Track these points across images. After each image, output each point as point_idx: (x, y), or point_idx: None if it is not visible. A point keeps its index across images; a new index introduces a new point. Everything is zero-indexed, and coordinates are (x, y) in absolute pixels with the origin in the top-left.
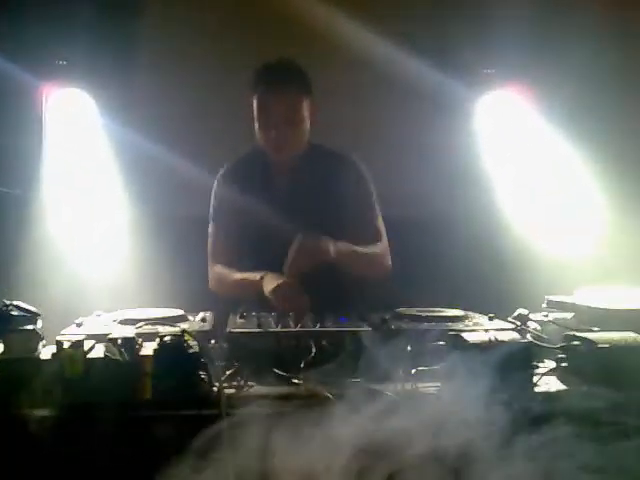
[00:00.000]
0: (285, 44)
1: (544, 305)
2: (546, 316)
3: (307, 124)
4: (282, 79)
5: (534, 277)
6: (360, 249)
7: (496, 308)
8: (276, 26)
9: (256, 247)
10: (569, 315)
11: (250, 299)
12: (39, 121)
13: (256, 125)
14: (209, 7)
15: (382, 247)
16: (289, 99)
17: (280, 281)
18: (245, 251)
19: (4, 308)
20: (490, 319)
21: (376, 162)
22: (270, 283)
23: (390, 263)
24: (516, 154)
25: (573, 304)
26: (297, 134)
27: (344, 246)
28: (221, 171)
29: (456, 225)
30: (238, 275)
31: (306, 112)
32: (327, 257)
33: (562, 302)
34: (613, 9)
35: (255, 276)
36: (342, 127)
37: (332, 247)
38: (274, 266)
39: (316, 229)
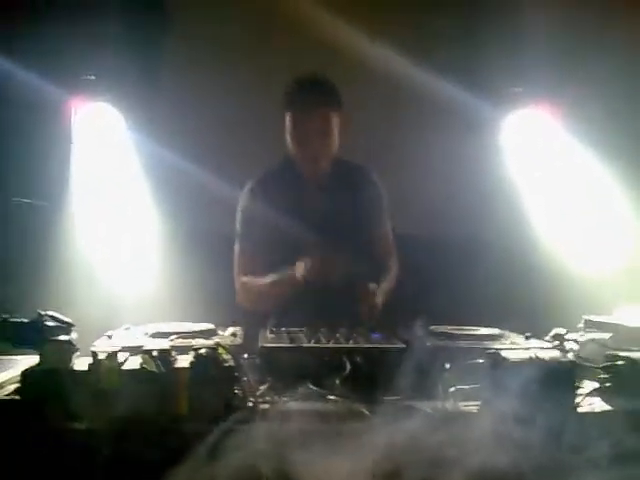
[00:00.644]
0: (313, 60)
1: (581, 325)
2: (582, 335)
3: (337, 137)
4: (316, 94)
5: (568, 296)
6: (386, 286)
7: (530, 328)
8: (304, 41)
9: (284, 261)
10: (607, 335)
11: (280, 303)
12: (68, 134)
13: (288, 139)
14: (234, 21)
15: (395, 267)
16: (323, 114)
17: (318, 257)
18: (272, 266)
19: (39, 318)
20: (527, 338)
21: (404, 181)
22: (308, 262)
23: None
24: (545, 172)
25: (612, 323)
26: (330, 147)
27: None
28: (248, 185)
29: (487, 244)
30: (267, 279)
31: (336, 126)
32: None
33: (600, 322)
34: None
35: (284, 273)
36: (371, 145)
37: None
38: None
39: (343, 243)
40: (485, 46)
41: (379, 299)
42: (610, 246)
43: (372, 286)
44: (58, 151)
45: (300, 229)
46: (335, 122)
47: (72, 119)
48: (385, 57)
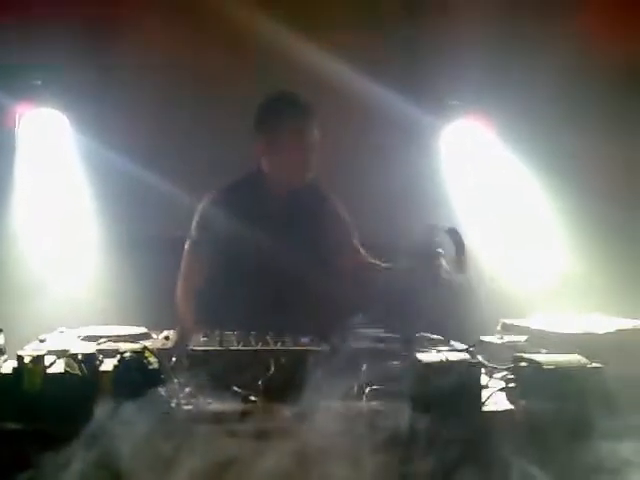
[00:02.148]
0: (267, 66)
1: (499, 328)
2: (501, 338)
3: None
4: (302, 109)
5: (494, 303)
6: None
7: (456, 333)
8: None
9: (242, 275)
10: (522, 338)
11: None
12: (12, 140)
13: (265, 161)
14: (184, 25)
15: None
16: (314, 125)
17: None
18: (223, 278)
19: None
20: (447, 341)
21: (339, 189)
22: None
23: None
24: (478, 181)
25: (526, 327)
26: (303, 173)
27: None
28: (209, 197)
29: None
30: (190, 323)
31: (317, 141)
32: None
33: (516, 325)
34: (571, 41)
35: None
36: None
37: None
38: (258, 295)
39: (307, 261)
40: (425, 58)
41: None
42: (535, 255)
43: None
44: (3, 156)
45: (262, 243)
46: (317, 136)
47: (17, 125)
48: (331, 69)
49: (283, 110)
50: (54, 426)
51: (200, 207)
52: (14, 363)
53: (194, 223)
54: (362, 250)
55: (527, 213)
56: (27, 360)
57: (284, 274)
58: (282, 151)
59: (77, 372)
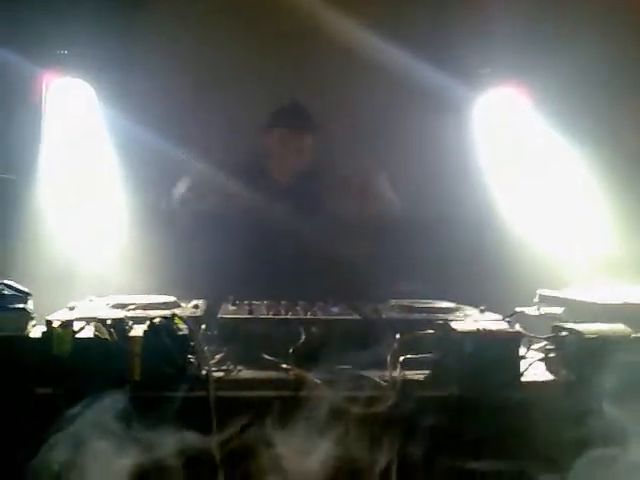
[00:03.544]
0: (292, 41)
1: (536, 300)
2: (538, 310)
3: (310, 154)
4: (296, 125)
5: (530, 273)
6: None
7: (494, 304)
8: (281, 20)
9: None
10: (560, 309)
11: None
12: (39, 109)
13: (269, 153)
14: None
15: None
16: (301, 140)
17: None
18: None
19: None
20: (481, 312)
21: (375, 160)
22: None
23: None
24: (514, 152)
25: (564, 298)
26: (302, 162)
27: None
28: (225, 168)
29: (453, 223)
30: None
31: (310, 145)
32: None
33: (553, 297)
34: (606, 8)
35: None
36: (339, 125)
37: None
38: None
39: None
40: (455, 28)
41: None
42: (573, 226)
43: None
44: (29, 125)
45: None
46: (309, 143)
47: (44, 94)
48: (360, 38)
49: (279, 124)
50: (83, 390)
51: (217, 177)
52: (43, 328)
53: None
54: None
55: (563, 184)
56: (56, 325)
57: (296, 241)
58: (275, 153)
59: (106, 337)
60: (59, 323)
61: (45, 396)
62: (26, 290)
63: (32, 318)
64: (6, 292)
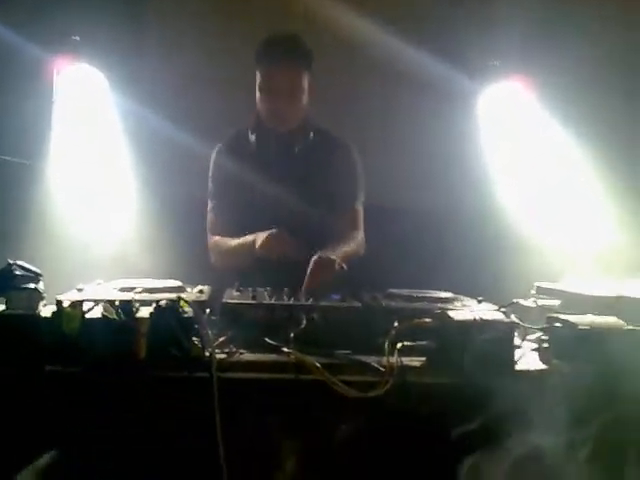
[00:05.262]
0: (297, 28)
1: (533, 291)
2: (535, 302)
3: (305, 98)
4: (286, 52)
5: (531, 265)
6: (349, 250)
7: (492, 295)
8: (288, 7)
9: (251, 218)
10: (557, 302)
11: (246, 264)
12: (50, 95)
13: (257, 95)
14: None
15: (360, 237)
16: (291, 71)
17: (269, 232)
18: (241, 223)
19: (8, 268)
20: (479, 302)
21: (378, 153)
22: (261, 237)
23: (364, 250)
24: (518, 145)
25: (561, 290)
26: (296, 106)
27: (341, 254)
28: (217, 147)
29: (455, 215)
30: (232, 241)
31: (305, 86)
32: (338, 271)
33: (550, 289)
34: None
35: (247, 238)
36: (345, 117)
37: (339, 261)
38: None
39: (307, 202)
40: (461, 20)
41: (338, 267)
42: (573, 219)
43: (329, 258)
44: (41, 111)
45: (263, 186)
46: (304, 81)
47: (55, 79)
48: (366, 33)
49: (271, 44)
50: (91, 369)
51: (211, 159)
52: (53, 307)
53: (209, 175)
54: (357, 220)
55: (565, 177)
56: (66, 304)
57: (296, 218)
58: (260, 90)
59: (114, 317)
60: (69, 303)
61: (54, 373)
62: (37, 271)
63: (43, 298)
64: (18, 272)
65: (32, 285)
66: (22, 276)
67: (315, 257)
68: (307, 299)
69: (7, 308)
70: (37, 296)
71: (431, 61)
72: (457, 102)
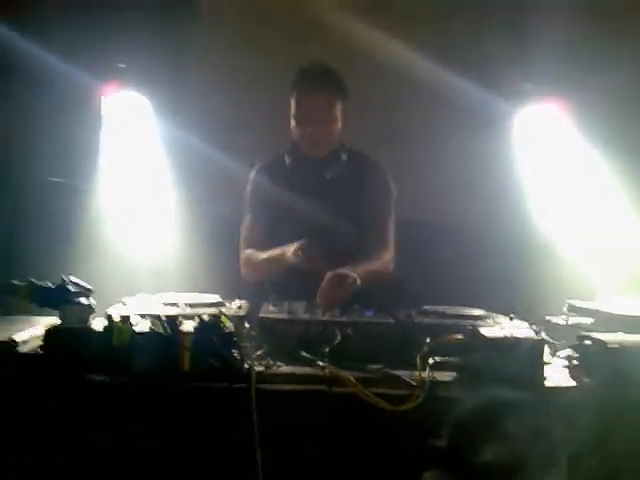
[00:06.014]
0: (326, 54)
1: (565, 309)
2: (566, 320)
3: (339, 125)
4: (318, 82)
5: (565, 282)
6: (372, 268)
7: (525, 313)
8: (316, 35)
9: (284, 236)
10: (589, 319)
11: (275, 275)
12: (98, 119)
13: (292, 122)
14: (256, 13)
15: (389, 255)
16: (324, 100)
17: (300, 242)
18: (274, 240)
19: (62, 284)
20: (511, 319)
21: (415, 173)
22: (290, 249)
23: (393, 269)
24: (552, 165)
25: (593, 309)
26: (329, 134)
27: (362, 271)
28: (256, 166)
29: (492, 232)
30: (265, 253)
31: (339, 113)
32: (354, 287)
33: (582, 307)
34: None
35: (277, 250)
36: (383, 139)
37: (357, 277)
38: None
39: (337, 223)
40: (495, 42)
41: (356, 286)
42: (607, 239)
43: (343, 273)
44: (89, 135)
45: (297, 206)
46: (337, 108)
47: (102, 105)
48: (402, 53)
49: (306, 74)
50: (139, 379)
51: (250, 176)
52: (104, 321)
53: (246, 191)
54: (386, 239)
55: (601, 195)
56: (116, 319)
57: (327, 238)
58: (294, 118)
59: (160, 331)
60: (119, 317)
61: (102, 384)
62: (88, 286)
63: (94, 312)
64: (71, 288)
65: (84, 300)
66: (75, 291)
67: (329, 273)
68: (323, 314)
69: (62, 322)
70: (89, 310)
71: (465, 83)
72: (491, 124)
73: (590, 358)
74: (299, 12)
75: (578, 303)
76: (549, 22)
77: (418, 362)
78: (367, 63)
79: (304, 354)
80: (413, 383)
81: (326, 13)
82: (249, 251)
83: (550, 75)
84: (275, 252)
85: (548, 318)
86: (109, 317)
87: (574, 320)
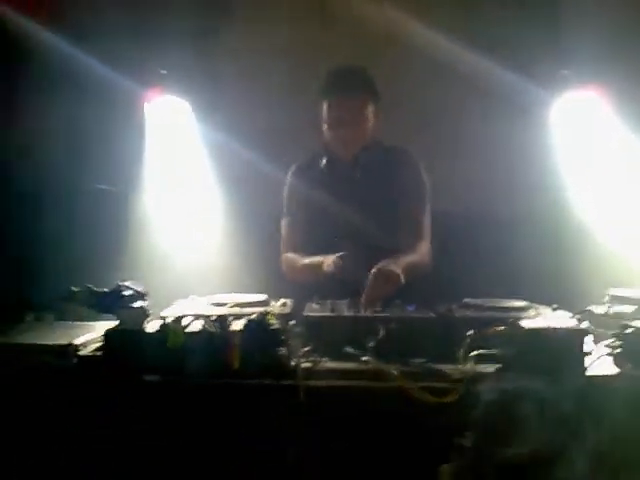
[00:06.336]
0: (358, 49)
1: (606, 299)
2: (608, 309)
3: (370, 126)
4: (348, 84)
5: (607, 272)
6: (411, 260)
7: (569, 303)
8: (347, 31)
9: (321, 236)
10: (631, 308)
11: (312, 282)
12: (141, 125)
13: (324, 125)
14: (289, 18)
15: (425, 247)
16: (355, 102)
17: (337, 257)
18: (312, 240)
19: (118, 289)
20: (554, 310)
21: (452, 163)
22: (328, 260)
23: (430, 261)
24: (592, 153)
25: (635, 298)
26: (360, 135)
27: (404, 265)
28: (292, 168)
29: (533, 223)
30: (304, 260)
31: (371, 114)
32: (399, 283)
33: (624, 296)
34: None
35: (317, 259)
36: (419, 129)
37: (401, 274)
38: (338, 250)
39: (374, 219)
40: (533, 29)
41: (400, 283)
42: None
43: (390, 270)
44: (133, 140)
45: (334, 205)
46: (369, 110)
47: (145, 110)
48: (434, 42)
49: (336, 76)
50: (191, 379)
51: (286, 180)
52: (158, 323)
53: (284, 197)
54: (422, 231)
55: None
56: (170, 321)
57: (362, 238)
58: (325, 120)
59: (212, 330)
60: (172, 319)
61: (156, 384)
62: (143, 290)
63: (148, 315)
64: (127, 293)
65: (139, 303)
66: (130, 296)
67: (374, 269)
68: (366, 310)
69: (119, 325)
70: (143, 313)
71: (502, 70)
72: (529, 112)
73: (632, 346)
74: (331, 11)
75: (620, 292)
76: (588, 7)
77: (460, 355)
78: (399, 52)
79: (349, 350)
80: (456, 376)
81: (358, 6)
82: (290, 255)
83: (589, 62)
84: (314, 260)
85: (590, 308)
86: (163, 319)
87: (616, 309)
